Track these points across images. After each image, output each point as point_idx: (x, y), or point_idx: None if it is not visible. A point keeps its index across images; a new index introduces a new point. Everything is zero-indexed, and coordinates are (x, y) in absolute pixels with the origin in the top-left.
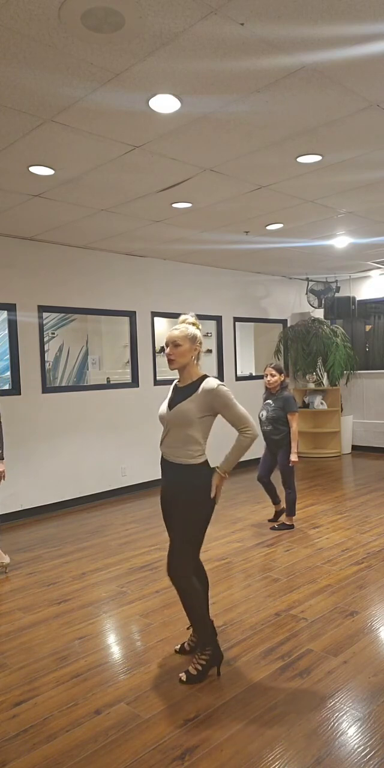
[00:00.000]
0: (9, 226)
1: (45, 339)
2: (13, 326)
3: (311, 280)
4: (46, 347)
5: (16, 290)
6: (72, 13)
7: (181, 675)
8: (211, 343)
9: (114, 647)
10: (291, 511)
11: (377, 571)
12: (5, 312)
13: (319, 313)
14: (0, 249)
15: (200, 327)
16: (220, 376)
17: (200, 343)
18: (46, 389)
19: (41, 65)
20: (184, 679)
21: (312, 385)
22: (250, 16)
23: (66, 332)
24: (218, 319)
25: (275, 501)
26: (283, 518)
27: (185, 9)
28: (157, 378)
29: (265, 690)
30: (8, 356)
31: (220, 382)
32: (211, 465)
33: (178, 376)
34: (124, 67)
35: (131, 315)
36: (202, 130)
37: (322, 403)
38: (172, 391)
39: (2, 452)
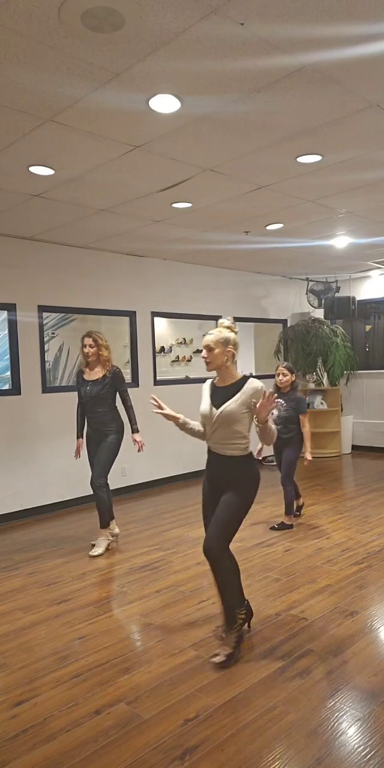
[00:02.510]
0: (9, 226)
1: (45, 339)
2: (13, 326)
3: (311, 280)
4: (46, 347)
5: (16, 290)
6: (72, 13)
7: (214, 659)
8: None
9: (114, 647)
10: (290, 509)
11: (377, 571)
12: (5, 312)
13: (319, 313)
14: (0, 249)
15: (236, 330)
16: None
17: (234, 346)
18: (46, 389)
19: (41, 65)
20: (218, 662)
21: (312, 385)
22: (250, 16)
23: (66, 332)
24: (218, 319)
25: (297, 495)
26: (283, 518)
27: (185, 9)
28: (157, 378)
29: (265, 690)
30: (8, 356)
31: (262, 384)
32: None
33: (216, 376)
34: (124, 67)
35: (131, 315)
36: (202, 130)
37: (322, 403)
38: (211, 390)
39: None
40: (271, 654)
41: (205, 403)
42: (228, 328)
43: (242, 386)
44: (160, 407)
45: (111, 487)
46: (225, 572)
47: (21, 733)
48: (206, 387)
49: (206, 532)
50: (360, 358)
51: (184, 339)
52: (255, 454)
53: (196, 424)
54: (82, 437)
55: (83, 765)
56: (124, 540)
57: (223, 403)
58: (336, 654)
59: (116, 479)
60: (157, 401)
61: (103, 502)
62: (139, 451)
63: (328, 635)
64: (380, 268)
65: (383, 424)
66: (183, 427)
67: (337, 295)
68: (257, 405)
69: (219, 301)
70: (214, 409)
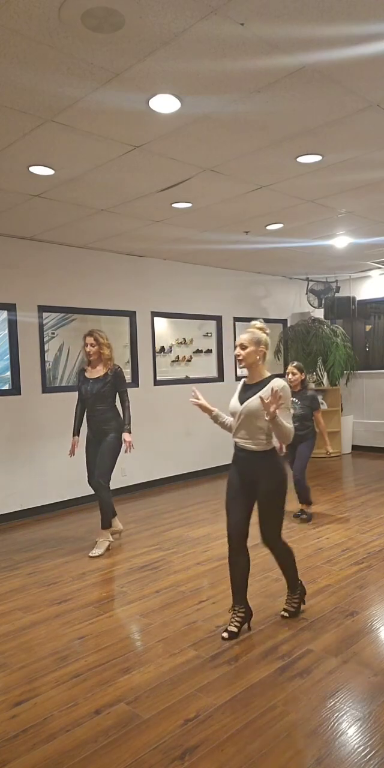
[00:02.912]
0: (9, 226)
1: (45, 339)
2: (13, 326)
3: (311, 280)
4: (46, 347)
5: (16, 290)
6: (72, 13)
7: (282, 613)
8: (211, 343)
9: (114, 647)
10: (309, 499)
11: (377, 571)
12: (5, 312)
13: (319, 313)
14: (0, 249)
15: (268, 332)
16: (220, 376)
17: (265, 346)
18: (46, 389)
19: (41, 65)
20: (287, 615)
21: (312, 385)
22: (250, 16)
23: (66, 332)
24: (218, 319)
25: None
26: (304, 508)
27: (185, 9)
28: (157, 378)
29: (265, 690)
30: (8, 356)
31: (285, 383)
32: (223, 462)
33: (247, 374)
34: (124, 67)
35: (131, 315)
36: (202, 130)
37: (322, 403)
38: (241, 388)
39: None
40: (271, 654)
41: (234, 399)
42: (260, 329)
43: (265, 385)
44: (197, 398)
45: (112, 487)
46: (285, 556)
47: (21, 733)
48: (239, 385)
49: (228, 520)
50: (360, 358)
51: (184, 339)
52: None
53: (228, 419)
54: (78, 435)
55: (83, 765)
56: (124, 540)
57: (247, 400)
58: (336, 654)
59: (116, 479)
60: (196, 393)
61: (105, 502)
62: (126, 451)
63: (328, 635)
64: (380, 268)
65: (383, 424)
66: (216, 419)
67: (337, 295)
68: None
69: (219, 301)
70: (239, 404)
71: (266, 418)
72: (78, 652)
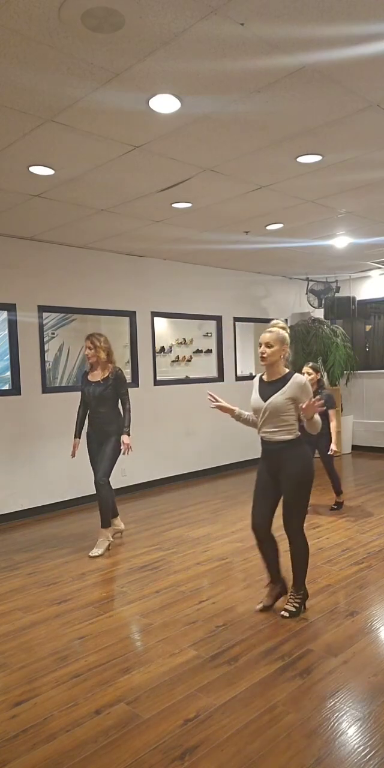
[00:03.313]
0: (9, 226)
1: (45, 339)
2: (13, 326)
3: (311, 280)
4: (46, 347)
5: (16, 290)
6: (72, 13)
7: (282, 612)
8: (211, 343)
9: (114, 647)
10: (339, 489)
11: (377, 571)
12: (5, 312)
13: (319, 313)
14: (0, 249)
15: (288, 331)
16: (220, 376)
17: (287, 345)
18: (46, 389)
19: (41, 65)
20: (287, 615)
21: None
22: (250, 16)
23: (66, 332)
24: (218, 319)
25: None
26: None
27: (185, 9)
28: (157, 378)
29: (265, 690)
30: (8, 356)
31: (306, 379)
32: (223, 462)
33: (265, 372)
34: (124, 67)
35: (131, 315)
36: (202, 130)
37: None
38: (260, 385)
39: None
40: (271, 654)
41: (255, 396)
42: (282, 328)
43: (288, 380)
44: (215, 401)
45: (112, 487)
46: (302, 548)
47: (21, 733)
48: (256, 382)
49: (254, 512)
50: (360, 358)
51: (184, 339)
52: None
53: (250, 415)
54: (80, 437)
55: (83, 765)
56: (124, 540)
57: (271, 396)
58: (336, 654)
59: (116, 479)
60: (213, 396)
61: (105, 501)
62: (124, 453)
63: (328, 635)
64: (380, 268)
65: (383, 424)
66: (238, 418)
67: (337, 295)
68: (303, 406)
69: (219, 301)
70: (262, 401)
71: (303, 417)
72: (78, 652)
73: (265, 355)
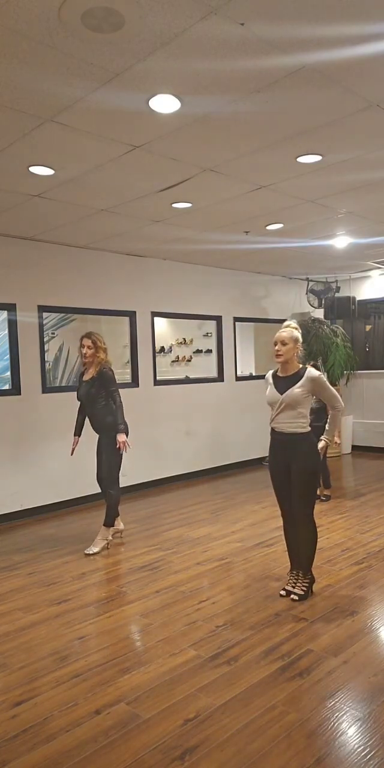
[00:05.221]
0: (9, 226)
1: (45, 339)
2: (13, 326)
3: (311, 280)
4: (46, 347)
5: (16, 290)
6: (72, 13)
7: (292, 597)
8: (211, 343)
9: (114, 647)
10: (327, 483)
11: (377, 571)
12: (5, 312)
13: (319, 313)
14: (0, 249)
15: (300, 331)
16: (220, 377)
17: (300, 343)
18: (46, 389)
19: (41, 65)
20: (297, 599)
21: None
22: (250, 16)
23: (66, 332)
24: (218, 319)
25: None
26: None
27: (185, 9)
28: (157, 378)
29: (265, 690)
30: (8, 356)
31: (319, 373)
32: (223, 462)
33: (280, 368)
34: (124, 67)
35: (131, 315)
36: (202, 130)
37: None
38: (274, 380)
39: None
40: (271, 654)
41: (270, 390)
42: (295, 328)
43: (303, 375)
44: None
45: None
46: (311, 534)
47: (21, 733)
48: (269, 377)
49: (280, 502)
50: (360, 358)
51: (184, 339)
52: None
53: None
54: (79, 435)
55: (83, 765)
56: (124, 540)
57: (287, 390)
58: (336, 654)
59: None
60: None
61: (115, 502)
62: (120, 449)
63: (328, 635)
64: (380, 268)
65: (383, 424)
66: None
67: (337, 295)
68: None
69: (219, 301)
70: (279, 394)
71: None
72: (78, 652)
73: (280, 353)
